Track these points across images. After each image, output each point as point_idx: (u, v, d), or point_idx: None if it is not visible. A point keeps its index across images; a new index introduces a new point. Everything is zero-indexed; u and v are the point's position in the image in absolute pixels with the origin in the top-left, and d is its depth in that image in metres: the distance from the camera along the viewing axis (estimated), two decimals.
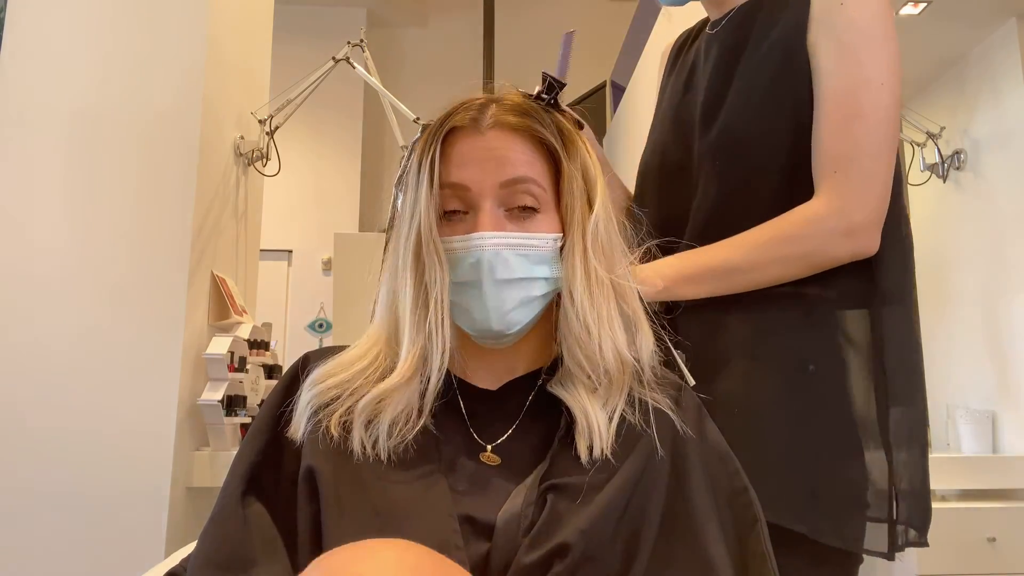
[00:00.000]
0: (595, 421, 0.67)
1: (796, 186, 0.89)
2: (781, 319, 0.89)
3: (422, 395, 0.68)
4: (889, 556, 0.84)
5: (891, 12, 0.88)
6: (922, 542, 0.85)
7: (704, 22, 1.11)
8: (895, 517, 0.84)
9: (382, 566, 0.46)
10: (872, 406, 0.86)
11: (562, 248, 0.71)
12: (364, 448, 0.65)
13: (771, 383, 0.87)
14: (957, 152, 2.91)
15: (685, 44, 1.13)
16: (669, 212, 0.99)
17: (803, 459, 0.84)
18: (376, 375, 0.70)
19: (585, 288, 0.69)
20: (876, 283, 0.88)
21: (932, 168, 2.96)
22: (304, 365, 0.76)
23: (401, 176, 0.77)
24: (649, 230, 0.82)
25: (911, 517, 0.85)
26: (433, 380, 0.68)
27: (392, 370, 0.69)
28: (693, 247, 0.94)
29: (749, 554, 0.66)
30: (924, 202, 3.21)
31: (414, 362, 0.68)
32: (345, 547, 0.48)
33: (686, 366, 0.85)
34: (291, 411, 0.72)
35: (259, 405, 2.20)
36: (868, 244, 0.86)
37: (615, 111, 4.06)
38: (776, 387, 0.87)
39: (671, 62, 1.15)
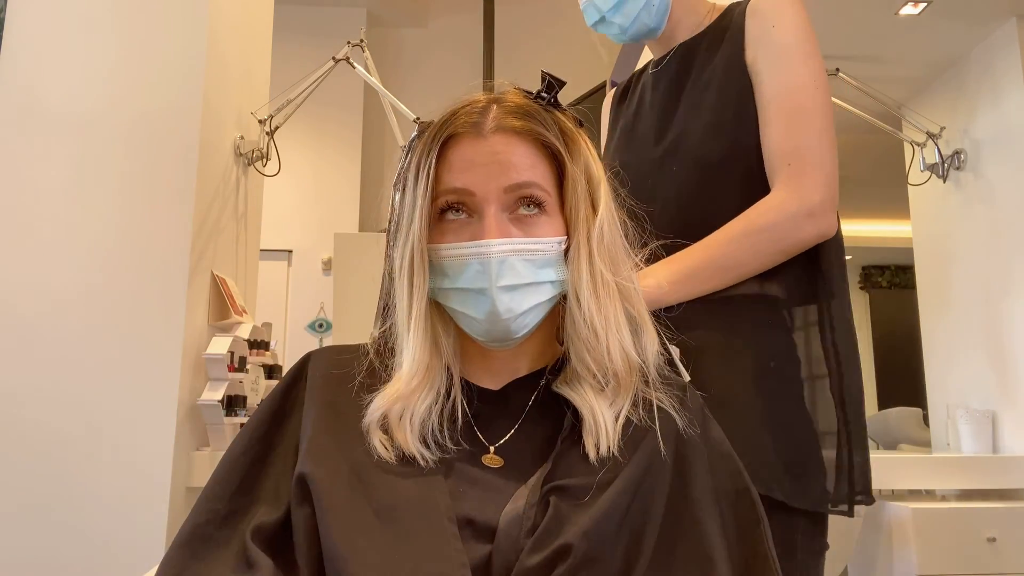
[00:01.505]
0: (602, 419, 0.67)
1: (748, 184, 0.98)
2: (746, 319, 0.97)
3: (437, 397, 0.69)
4: (849, 513, 0.93)
5: (813, 32, 0.99)
6: (868, 500, 0.94)
7: (639, 72, 1.21)
8: (851, 483, 0.93)
9: None
10: (825, 392, 0.96)
11: (567, 250, 0.71)
12: (378, 450, 0.65)
13: (741, 377, 0.95)
14: (957, 152, 2.91)
15: (626, 91, 1.22)
16: (669, 214, 1.03)
17: (775, 439, 0.92)
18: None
19: (592, 291, 0.69)
20: (821, 280, 0.98)
21: (932, 168, 2.97)
22: (305, 364, 0.76)
23: (398, 177, 0.77)
24: (652, 230, 0.83)
25: (858, 482, 0.94)
26: (440, 382, 0.69)
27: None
28: (686, 245, 0.98)
29: (751, 554, 0.66)
30: (924, 202, 3.22)
31: (421, 368, 0.68)
32: None
33: (682, 363, 0.86)
34: (290, 409, 0.72)
35: (259, 405, 2.20)
36: (829, 224, 0.95)
37: None
38: (745, 381, 0.95)
39: (614, 109, 1.24)
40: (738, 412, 0.91)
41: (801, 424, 0.94)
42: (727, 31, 1.04)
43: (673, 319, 0.93)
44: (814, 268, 0.98)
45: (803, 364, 0.97)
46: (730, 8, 1.07)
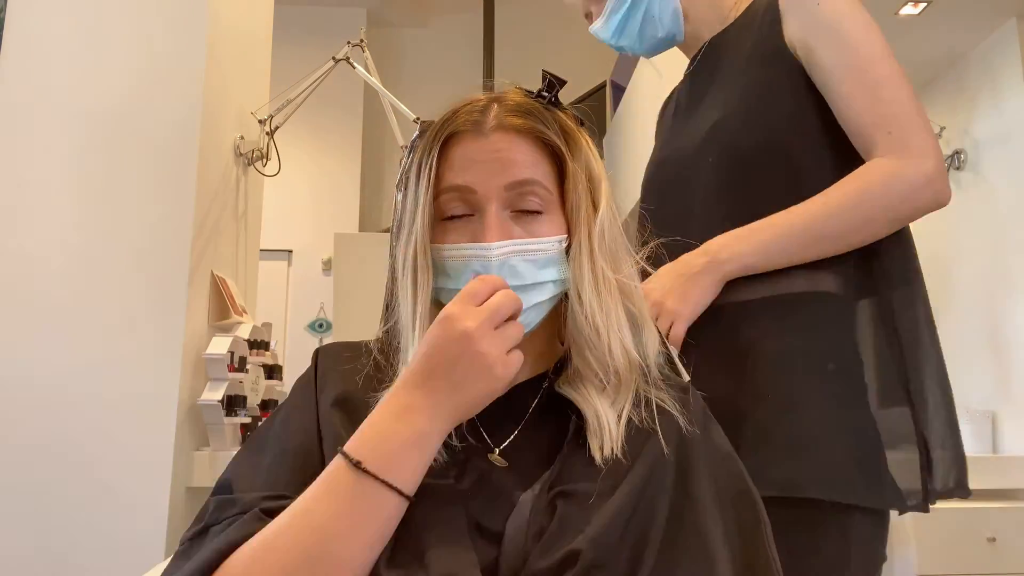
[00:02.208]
0: (606, 421, 0.67)
1: (790, 168, 0.95)
2: (798, 320, 0.93)
3: None
4: (922, 508, 0.91)
5: (861, 4, 0.96)
6: (964, 492, 0.91)
7: (680, 82, 1.19)
8: (930, 478, 0.91)
9: None
10: (896, 392, 0.93)
11: (568, 248, 0.71)
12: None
13: (800, 383, 0.91)
14: (957, 152, 2.91)
15: (669, 100, 1.22)
16: (673, 211, 1.02)
17: (841, 444, 0.88)
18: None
19: (593, 289, 0.69)
20: (880, 270, 0.94)
21: None
22: (316, 358, 0.76)
23: (400, 177, 0.77)
24: (653, 229, 0.83)
25: (950, 472, 0.91)
26: None
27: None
28: (694, 246, 0.95)
29: (752, 556, 0.66)
30: None
31: None
32: None
33: (681, 362, 0.86)
34: (314, 408, 0.72)
35: (259, 405, 2.20)
36: (945, 191, 0.90)
37: (615, 111, 4.06)
38: (805, 387, 0.91)
39: (659, 122, 1.24)
40: (800, 419, 0.89)
41: (864, 427, 0.91)
42: (756, 19, 1.01)
43: (720, 322, 0.93)
44: (872, 258, 0.94)
45: (870, 363, 0.94)
46: (756, 0, 1.04)
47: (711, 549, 0.63)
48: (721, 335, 0.94)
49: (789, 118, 0.95)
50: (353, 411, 0.69)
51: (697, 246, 0.95)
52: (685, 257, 0.94)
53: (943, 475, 0.91)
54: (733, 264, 0.92)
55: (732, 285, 0.94)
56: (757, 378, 0.91)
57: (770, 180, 0.96)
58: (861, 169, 0.91)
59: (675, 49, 1.17)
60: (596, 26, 1.11)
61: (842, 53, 0.92)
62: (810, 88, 0.95)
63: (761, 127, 0.96)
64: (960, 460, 0.92)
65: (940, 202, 0.91)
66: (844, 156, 0.94)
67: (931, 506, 0.92)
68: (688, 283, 0.93)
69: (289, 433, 0.70)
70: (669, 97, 1.22)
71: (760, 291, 0.93)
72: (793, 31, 0.96)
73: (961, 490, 0.91)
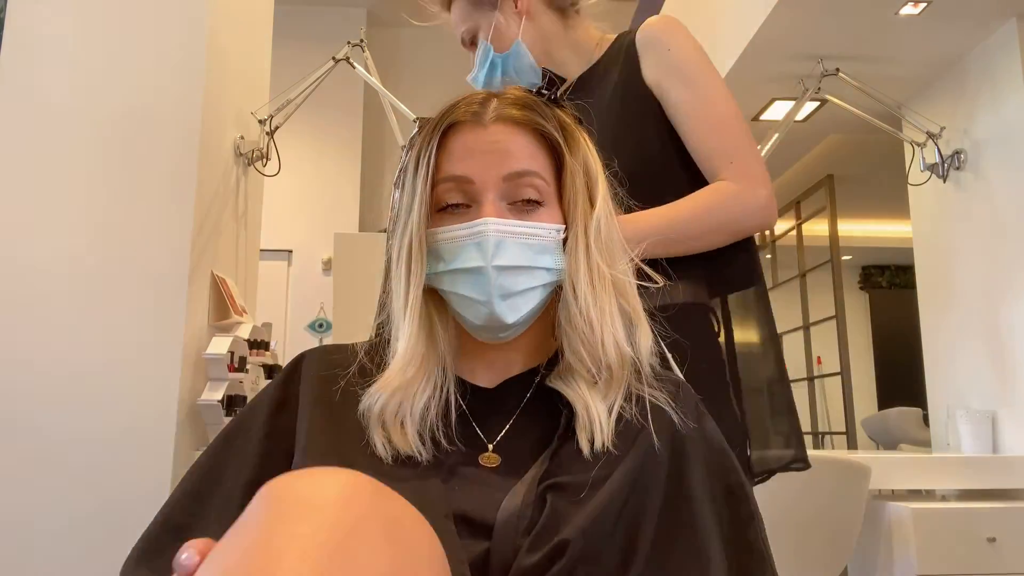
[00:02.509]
0: (596, 414, 0.67)
1: (659, 186, 1.06)
2: (686, 331, 1.02)
3: (434, 392, 0.69)
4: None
5: (702, 47, 1.11)
6: (804, 465, 1.07)
7: None
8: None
9: (322, 484, 0.47)
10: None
11: (564, 241, 0.71)
12: (378, 448, 0.65)
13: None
14: (957, 152, 2.91)
15: None
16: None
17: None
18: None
19: (588, 283, 0.70)
20: (726, 276, 1.10)
21: (932, 168, 2.97)
22: (299, 363, 0.76)
23: (399, 174, 0.77)
24: None
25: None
26: (436, 377, 0.69)
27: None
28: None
29: (745, 550, 0.66)
30: (924, 202, 3.22)
31: (416, 355, 0.69)
32: (289, 473, 0.49)
33: (674, 359, 0.87)
34: (283, 406, 0.72)
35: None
36: (773, 215, 1.07)
37: None
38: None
39: None
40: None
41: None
42: (619, 59, 1.13)
43: None
44: (719, 267, 1.08)
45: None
46: (618, 39, 1.17)
47: (705, 542, 0.64)
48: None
49: (651, 146, 1.08)
50: (335, 414, 0.70)
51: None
52: None
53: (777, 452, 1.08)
54: None
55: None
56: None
57: (638, 200, 1.05)
58: (710, 187, 1.05)
59: None
60: (469, 77, 1.25)
61: (689, 92, 1.07)
62: (666, 119, 1.09)
63: (628, 156, 1.01)
64: (797, 435, 1.09)
65: (769, 224, 1.08)
66: (696, 178, 1.07)
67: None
68: None
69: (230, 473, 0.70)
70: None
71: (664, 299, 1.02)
72: (649, 72, 1.09)
73: (800, 463, 1.06)
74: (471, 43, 1.25)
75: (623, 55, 1.13)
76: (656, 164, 1.09)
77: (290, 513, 0.44)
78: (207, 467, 0.72)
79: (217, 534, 0.62)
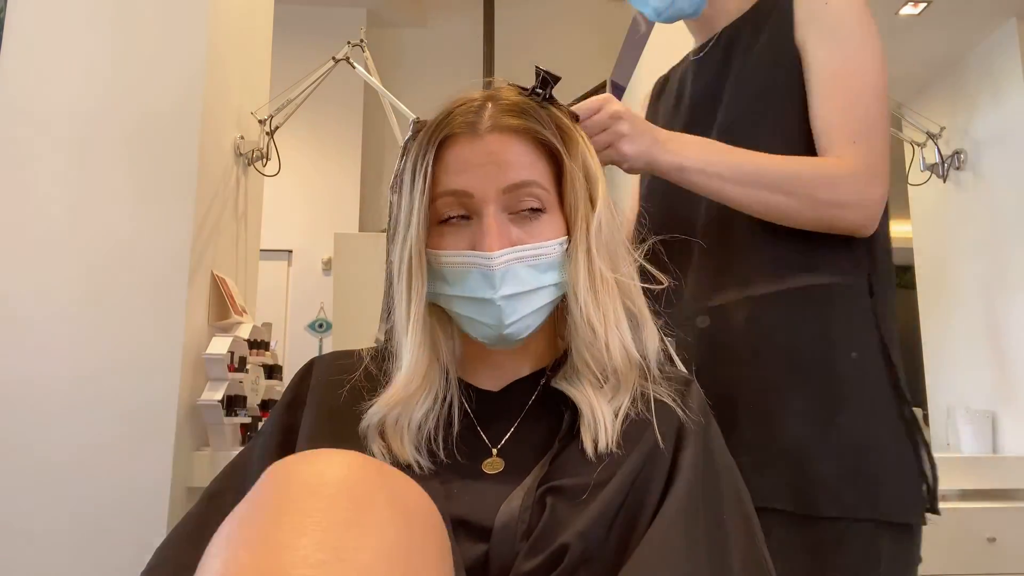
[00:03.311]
0: (600, 415, 0.67)
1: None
2: (808, 314, 0.91)
3: (435, 402, 0.69)
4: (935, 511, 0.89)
5: (869, 10, 0.94)
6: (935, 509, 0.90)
7: (678, 64, 1.18)
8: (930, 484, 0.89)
9: (328, 463, 0.48)
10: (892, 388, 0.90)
11: (567, 249, 0.71)
12: (375, 457, 0.65)
13: (801, 378, 0.89)
14: (957, 152, 2.91)
15: (667, 81, 1.19)
16: (677, 213, 1.01)
17: (834, 454, 0.85)
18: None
19: (589, 288, 0.69)
20: (875, 268, 0.93)
21: (932, 168, 2.96)
22: (309, 370, 0.76)
23: (394, 179, 0.77)
24: (651, 227, 0.83)
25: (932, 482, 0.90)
26: (438, 388, 0.69)
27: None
28: (692, 245, 0.95)
29: (717, 525, 0.66)
30: (924, 202, 3.21)
31: (419, 371, 0.69)
32: (294, 455, 0.50)
33: (680, 358, 0.86)
34: (294, 406, 0.72)
35: (259, 405, 2.20)
36: (870, 223, 0.89)
37: None
38: (803, 384, 0.89)
39: (651, 104, 1.21)
40: (792, 428, 0.87)
41: (865, 436, 0.87)
42: (772, 12, 1.00)
43: (732, 318, 0.91)
44: (865, 255, 0.93)
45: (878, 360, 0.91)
46: None
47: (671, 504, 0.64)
48: (734, 330, 0.92)
49: (799, 118, 0.94)
50: (339, 421, 0.70)
51: (699, 246, 0.96)
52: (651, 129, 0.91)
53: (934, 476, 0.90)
54: (669, 156, 0.89)
55: (748, 279, 0.93)
56: (767, 375, 0.89)
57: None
58: (828, 159, 0.90)
59: (672, 49, 1.17)
60: None
61: (834, 55, 0.92)
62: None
63: (768, 133, 0.95)
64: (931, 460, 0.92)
65: (864, 228, 0.89)
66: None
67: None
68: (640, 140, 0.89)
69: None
70: (665, 80, 1.20)
71: (774, 285, 0.92)
72: (799, 29, 0.95)
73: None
74: None
75: (777, 7, 0.99)
76: (801, 142, 0.94)
77: (301, 490, 0.45)
78: (233, 467, 0.73)
79: None
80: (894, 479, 0.86)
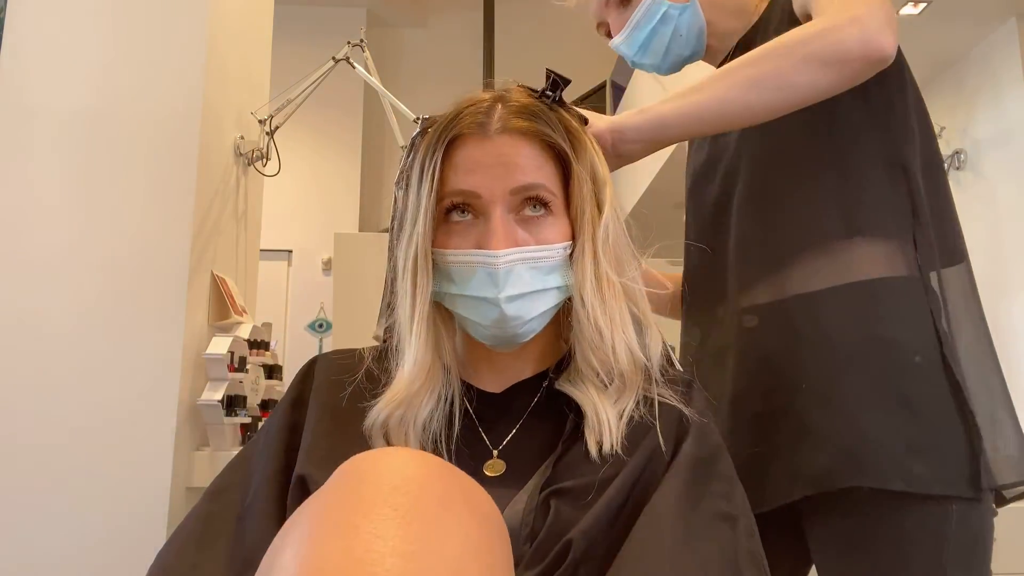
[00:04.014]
0: (605, 417, 0.67)
1: (825, 150, 0.91)
2: (877, 308, 0.87)
3: (439, 401, 0.69)
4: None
5: None
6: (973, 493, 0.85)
7: None
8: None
9: (403, 462, 0.49)
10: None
11: (572, 252, 0.71)
12: None
13: (857, 372, 0.86)
14: (957, 152, 2.91)
15: None
16: (713, 193, 1.00)
17: (882, 428, 0.83)
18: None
19: (596, 291, 0.69)
20: (935, 244, 0.88)
21: None
22: (311, 369, 0.76)
23: (401, 175, 0.77)
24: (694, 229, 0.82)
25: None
26: (440, 387, 0.69)
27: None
28: (705, 253, 0.95)
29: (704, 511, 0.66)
30: None
31: (423, 369, 0.69)
32: (364, 452, 0.52)
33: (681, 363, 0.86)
34: (298, 405, 0.72)
35: (259, 405, 2.20)
36: (879, 35, 0.79)
37: (615, 111, 4.06)
38: (856, 373, 0.86)
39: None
40: (840, 408, 0.84)
41: (918, 406, 0.84)
42: (777, 11, 0.98)
43: (782, 317, 0.88)
44: (922, 233, 0.87)
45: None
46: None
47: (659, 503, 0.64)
48: (782, 330, 0.90)
49: (801, 127, 0.91)
50: (342, 420, 0.70)
51: (738, 239, 0.94)
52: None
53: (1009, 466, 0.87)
54: (638, 132, 0.84)
55: (794, 277, 0.90)
56: (818, 373, 0.86)
57: (810, 158, 0.92)
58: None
59: None
60: (617, 41, 1.05)
61: None
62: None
63: (780, 135, 0.93)
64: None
65: (872, 45, 0.78)
66: (849, 169, 0.90)
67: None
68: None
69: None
70: None
71: (827, 280, 0.88)
72: (797, 4, 0.92)
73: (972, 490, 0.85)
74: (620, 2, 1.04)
75: (778, 9, 0.98)
76: (799, 146, 0.92)
77: (383, 485, 0.46)
78: (235, 465, 0.73)
79: (244, 524, 0.63)
80: (936, 454, 0.83)
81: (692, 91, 0.84)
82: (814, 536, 0.88)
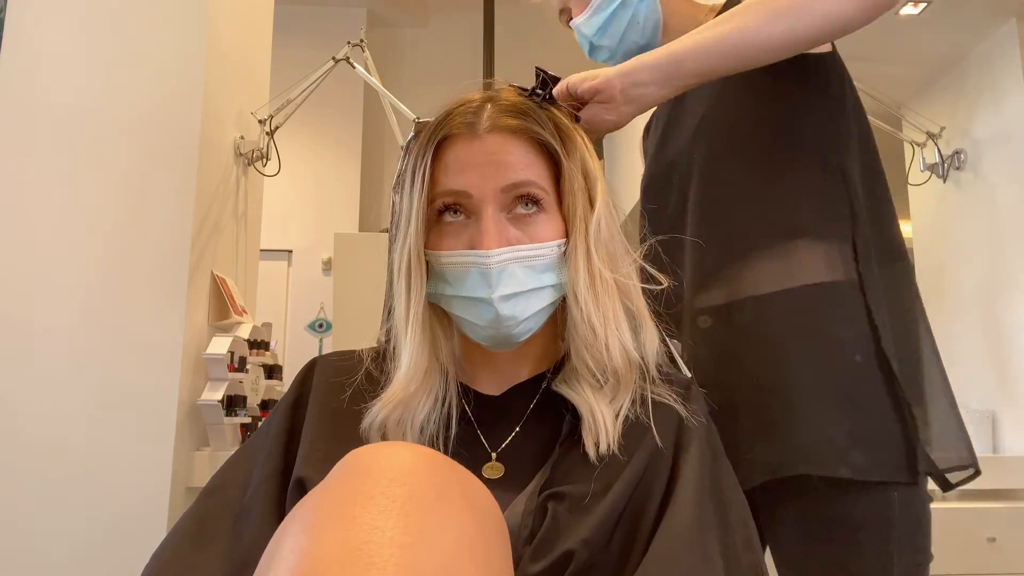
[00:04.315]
0: (601, 417, 0.67)
1: (768, 153, 0.94)
2: (817, 310, 0.91)
3: (436, 403, 0.69)
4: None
5: None
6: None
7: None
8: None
9: (403, 455, 0.50)
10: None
11: (566, 250, 0.71)
12: None
13: (805, 367, 0.89)
14: (957, 152, 2.91)
15: (653, 116, 1.20)
16: (670, 208, 1.02)
17: (833, 417, 0.87)
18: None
19: (589, 288, 0.69)
20: (879, 245, 0.92)
21: (932, 168, 2.97)
22: (311, 371, 0.76)
23: (396, 179, 0.77)
24: (649, 229, 0.83)
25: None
26: (437, 389, 0.69)
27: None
28: (690, 243, 0.95)
29: (724, 510, 0.67)
30: (924, 202, 3.22)
31: (419, 370, 0.69)
32: (365, 446, 0.52)
33: (681, 358, 0.86)
34: (298, 406, 0.72)
35: (259, 405, 2.20)
36: None
37: None
38: (804, 369, 0.89)
39: (645, 134, 1.22)
40: (791, 400, 0.87)
41: (866, 399, 0.88)
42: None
43: (734, 318, 0.91)
44: (869, 233, 0.90)
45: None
46: (727, 3, 1.02)
47: (679, 500, 0.64)
48: (735, 330, 0.93)
49: (770, 99, 0.94)
50: (340, 421, 0.70)
51: (692, 241, 0.95)
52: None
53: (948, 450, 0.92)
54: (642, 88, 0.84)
55: (745, 280, 0.93)
56: (768, 371, 0.89)
57: (756, 162, 0.95)
58: None
59: None
60: (580, 20, 1.10)
61: None
62: (787, 70, 0.90)
63: (746, 110, 0.96)
64: (963, 435, 0.94)
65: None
66: (823, 162, 0.92)
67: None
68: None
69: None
70: (651, 118, 1.21)
71: (776, 283, 0.92)
72: None
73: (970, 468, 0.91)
74: None
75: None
76: (777, 123, 0.93)
77: (382, 477, 0.47)
78: (232, 463, 0.73)
79: (241, 523, 0.63)
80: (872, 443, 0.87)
81: (707, 28, 0.83)
82: (772, 528, 0.92)
